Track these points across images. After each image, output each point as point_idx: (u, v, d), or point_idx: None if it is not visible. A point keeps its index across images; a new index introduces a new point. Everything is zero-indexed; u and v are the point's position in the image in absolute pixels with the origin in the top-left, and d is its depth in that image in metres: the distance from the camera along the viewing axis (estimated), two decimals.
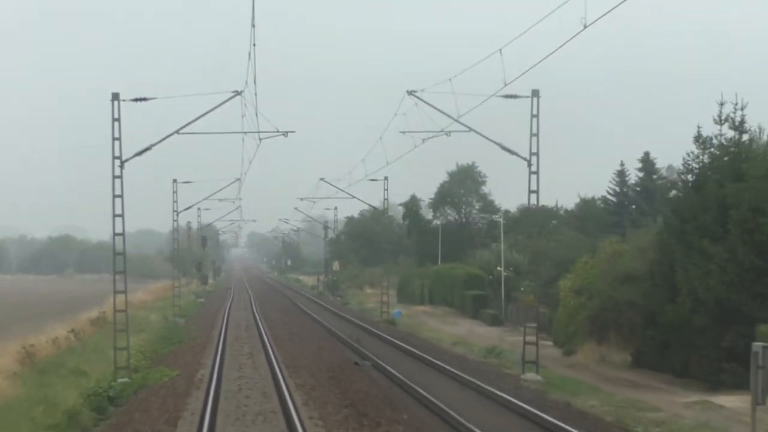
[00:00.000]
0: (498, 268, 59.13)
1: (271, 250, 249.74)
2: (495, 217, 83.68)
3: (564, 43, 22.93)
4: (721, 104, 31.69)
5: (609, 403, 26.44)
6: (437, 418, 22.02)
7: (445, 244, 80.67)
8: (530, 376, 30.98)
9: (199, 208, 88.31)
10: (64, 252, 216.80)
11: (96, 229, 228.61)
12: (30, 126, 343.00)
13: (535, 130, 31.03)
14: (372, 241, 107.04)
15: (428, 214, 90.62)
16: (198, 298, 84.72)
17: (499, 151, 31.84)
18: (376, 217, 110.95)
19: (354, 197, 67.93)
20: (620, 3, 18.56)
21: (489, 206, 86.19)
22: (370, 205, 75.43)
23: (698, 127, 32.38)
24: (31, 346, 35.52)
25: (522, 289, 54.58)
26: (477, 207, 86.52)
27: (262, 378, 29.15)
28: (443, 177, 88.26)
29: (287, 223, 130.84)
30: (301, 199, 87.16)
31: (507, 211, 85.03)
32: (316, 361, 33.52)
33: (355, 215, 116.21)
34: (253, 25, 27.29)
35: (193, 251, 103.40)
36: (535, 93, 30.90)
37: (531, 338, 31.74)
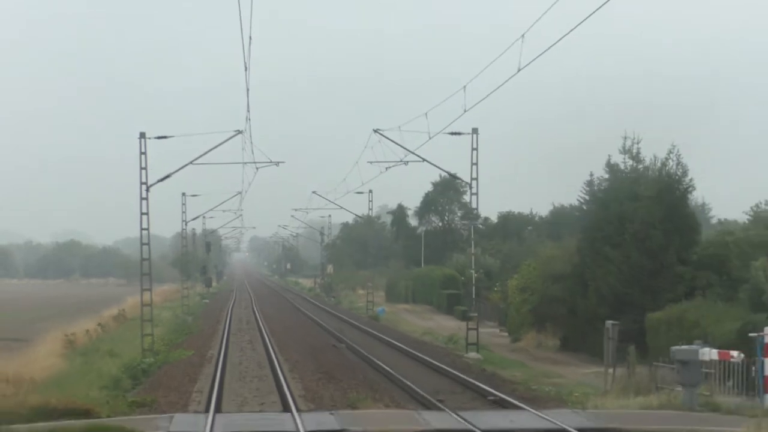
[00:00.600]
0: (469, 270, 67.31)
1: (271, 255, 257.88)
2: (477, 223, 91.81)
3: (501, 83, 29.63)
4: (624, 138, 40.07)
5: (527, 373, 34.59)
6: (385, 378, 30.32)
7: (430, 249, 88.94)
8: (472, 354, 39.26)
9: (203, 217, 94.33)
10: (69, 257, 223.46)
11: (99, 234, 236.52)
12: (34, 129, 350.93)
13: (475, 160, 39.30)
14: (365, 246, 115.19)
15: (414, 221, 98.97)
16: (203, 299, 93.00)
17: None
18: (369, 223, 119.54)
19: (342, 208, 77.17)
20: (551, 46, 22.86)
21: (470, 213, 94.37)
22: (356, 215, 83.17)
23: (608, 155, 40.72)
24: (72, 335, 43.79)
25: (495, 289, 63.03)
26: (459, 214, 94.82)
27: (259, 356, 37.45)
28: (429, 179, 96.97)
29: (286, 229, 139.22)
30: (296, 210, 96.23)
31: (487, 218, 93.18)
32: (303, 345, 41.86)
33: (351, 221, 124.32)
34: (247, 69, 32.28)
35: (198, 256, 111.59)
36: (475, 130, 39.18)
37: (483, 327, 40.05)
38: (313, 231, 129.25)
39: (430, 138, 38.30)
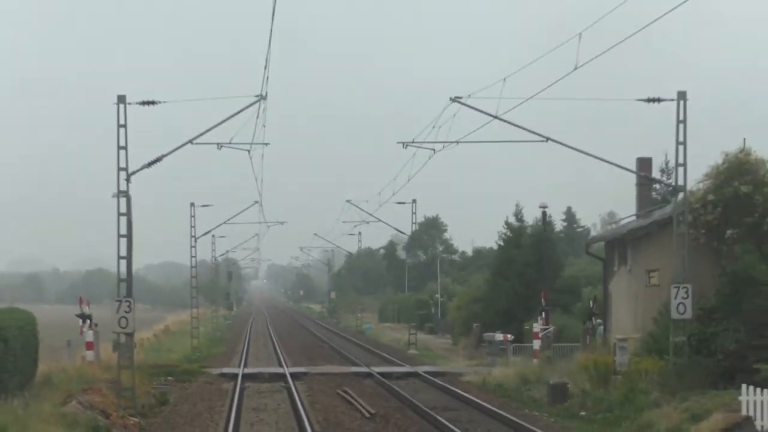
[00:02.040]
0: (436, 295, 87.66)
1: (288, 282, 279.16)
2: (454, 256, 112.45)
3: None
4: (516, 205, 60.51)
5: (430, 356, 54.72)
6: (343, 358, 50.82)
7: (414, 278, 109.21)
8: (411, 350, 59.56)
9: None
10: (98, 284, 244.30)
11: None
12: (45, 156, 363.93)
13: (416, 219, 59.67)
14: (366, 275, 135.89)
15: (403, 255, 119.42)
16: (226, 320, 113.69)
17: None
18: (369, 255, 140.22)
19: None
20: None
21: (450, 248, 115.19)
22: (396, 229, 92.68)
23: (508, 216, 61.19)
24: (141, 339, 64.21)
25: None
26: (441, 249, 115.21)
27: (269, 352, 58.01)
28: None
29: (306, 253, 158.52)
30: (315, 234, 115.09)
31: (463, 252, 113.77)
32: (299, 346, 62.46)
33: (376, 240, 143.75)
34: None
35: (220, 284, 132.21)
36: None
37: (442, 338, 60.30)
38: (327, 258, 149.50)
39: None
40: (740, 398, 24.67)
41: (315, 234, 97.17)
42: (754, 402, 24.65)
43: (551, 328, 43.46)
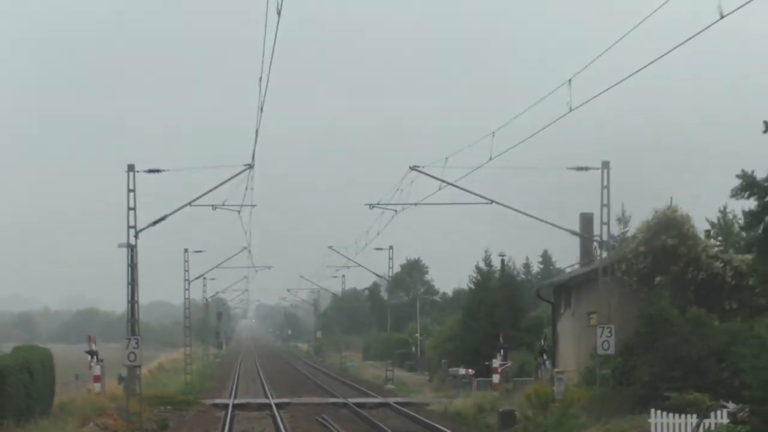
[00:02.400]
0: (416, 334, 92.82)
1: (276, 321, 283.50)
2: (434, 297, 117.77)
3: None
4: (485, 251, 65.83)
5: (405, 390, 59.66)
6: (324, 391, 55.89)
7: (397, 318, 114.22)
8: (389, 385, 64.59)
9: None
10: (90, 323, 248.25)
11: (108, 298, 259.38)
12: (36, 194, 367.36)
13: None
14: (351, 315, 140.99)
15: (386, 296, 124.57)
16: (216, 358, 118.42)
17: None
18: (354, 296, 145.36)
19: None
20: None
21: (431, 289, 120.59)
22: (375, 274, 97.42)
23: (478, 261, 66.52)
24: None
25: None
26: (422, 290, 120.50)
27: (257, 386, 63.04)
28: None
29: (293, 294, 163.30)
30: (301, 277, 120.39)
31: (444, 293, 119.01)
32: (285, 381, 67.55)
33: (360, 282, 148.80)
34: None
35: (210, 323, 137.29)
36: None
37: (421, 375, 65.35)
38: (313, 298, 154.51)
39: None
40: (650, 420, 29.86)
41: (301, 276, 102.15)
42: (661, 424, 29.81)
43: (509, 364, 48.69)
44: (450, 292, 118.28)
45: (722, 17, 17.13)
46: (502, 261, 59.55)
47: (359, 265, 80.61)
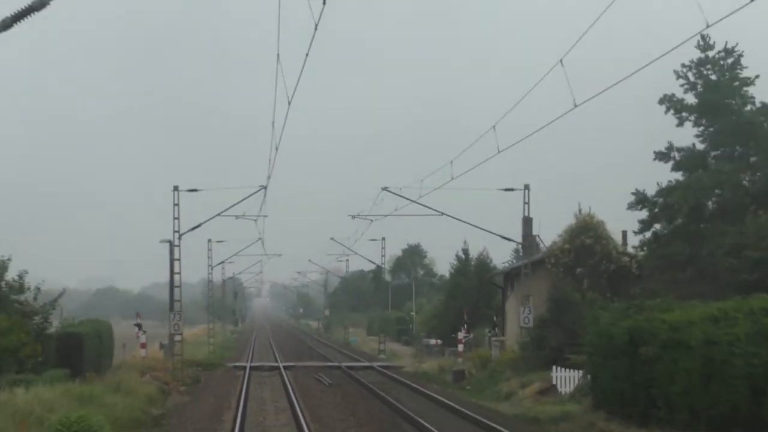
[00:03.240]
0: (411, 312, 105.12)
1: (289, 300, 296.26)
2: (433, 279, 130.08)
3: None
4: (464, 242, 77.97)
5: (393, 358, 71.97)
6: (324, 358, 68.27)
7: (398, 298, 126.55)
8: (381, 355, 76.84)
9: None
10: (108, 301, 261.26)
11: (125, 280, 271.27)
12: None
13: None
14: (358, 295, 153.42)
15: (389, 277, 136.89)
16: (233, 334, 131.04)
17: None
18: (361, 277, 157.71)
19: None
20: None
21: (429, 272, 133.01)
22: (370, 261, 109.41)
23: (457, 251, 78.73)
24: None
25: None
26: (422, 272, 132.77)
27: (269, 352, 75.40)
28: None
29: (304, 276, 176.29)
30: (309, 261, 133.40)
31: (442, 276, 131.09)
32: (293, 351, 79.93)
33: (362, 267, 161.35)
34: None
35: (226, 302, 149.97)
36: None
37: (399, 345, 77.71)
38: (323, 280, 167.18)
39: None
40: (552, 374, 41.99)
41: (309, 260, 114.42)
42: (560, 377, 41.93)
43: (471, 336, 60.84)
44: (447, 275, 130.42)
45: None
46: (466, 252, 71.92)
47: (356, 253, 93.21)
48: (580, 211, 51.93)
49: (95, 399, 31.01)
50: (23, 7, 14.11)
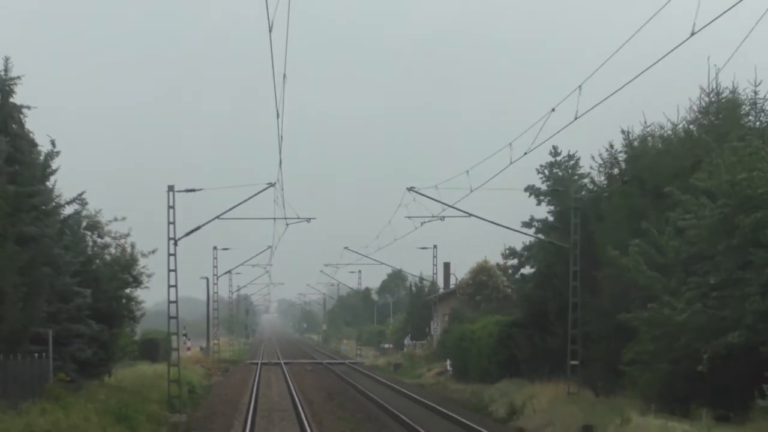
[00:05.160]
0: (390, 327, 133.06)
1: (295, 316, 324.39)
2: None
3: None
4: (420, 272, 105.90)
5: (364, 359, 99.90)
6: (312, 358, 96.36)
7: (384, 315, 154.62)
8: (359, 358, 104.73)
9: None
10: None
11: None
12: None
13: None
14: (351, 311, 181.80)
15: (376, 297, 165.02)
16: (245, 345, 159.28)
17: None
18: (356, 296, 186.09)
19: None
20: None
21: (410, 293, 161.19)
22: (392, 267, 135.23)
23: (413, 282, 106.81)
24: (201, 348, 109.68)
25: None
26: (404, 293, 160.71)
27: (275, 355, 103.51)
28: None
29: (313, 288, 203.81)
30: (322, 271, 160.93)
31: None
32: (293, 355, 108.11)
33: (379, 277, 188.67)
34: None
35: (238, 317, 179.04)
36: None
37: (375, 351, 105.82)
38: (323, 297, 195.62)
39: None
40: (446, 364, 69.94)
41: (321, 271, 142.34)
42: (452, 365, 69.85)
43: (414, 343, 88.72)
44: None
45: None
46: (421, 280, 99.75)
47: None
48: (482, 260, 79.93)
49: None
50: None
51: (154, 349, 71.01)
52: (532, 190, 73.44)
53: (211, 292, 75.83)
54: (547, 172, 74.63)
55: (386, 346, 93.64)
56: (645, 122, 39.67)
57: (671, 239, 31.30)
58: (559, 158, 74.93)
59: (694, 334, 29.62)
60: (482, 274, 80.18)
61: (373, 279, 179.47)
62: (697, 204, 30.75)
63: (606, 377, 37.15)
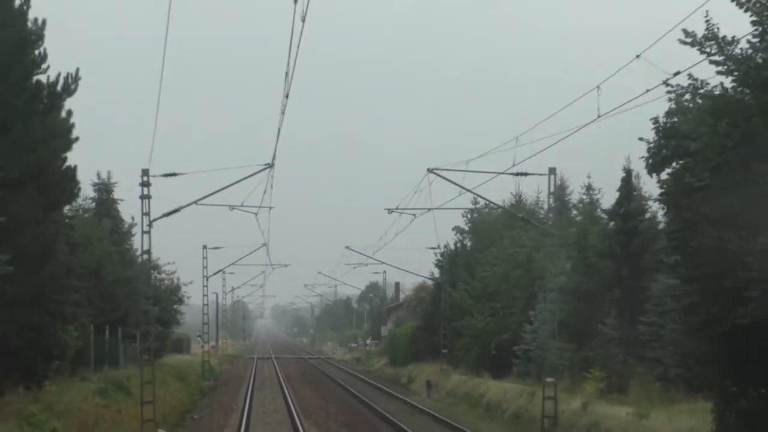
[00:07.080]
0: (364, 330, 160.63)
1: (288, 321, 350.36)
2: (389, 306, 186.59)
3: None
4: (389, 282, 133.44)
5: (338, 355, 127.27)
6: (300, 357, 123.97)
7: (360, 320, 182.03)
8: (334, 355, 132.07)
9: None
10: None
11: None
12: None
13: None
14: (336, 317, 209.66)
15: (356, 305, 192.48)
16: (243, 346, 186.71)
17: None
18: (340, 303, 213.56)
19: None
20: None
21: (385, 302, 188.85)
22: (397, 267, 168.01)
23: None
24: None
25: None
26: (380, 302, 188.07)
27: (268, 354, 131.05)
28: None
29: (310, 289, 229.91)
30: (319, 272, 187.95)
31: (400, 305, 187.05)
32: (283, 353, 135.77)
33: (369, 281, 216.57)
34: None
35: (236, 322, 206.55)
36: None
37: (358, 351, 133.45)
38: (311, 305, 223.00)
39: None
40: (412, 367, 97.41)
41: (319, 272, 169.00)
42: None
43: (375, 342, 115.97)
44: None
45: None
46: (384, 292, 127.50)
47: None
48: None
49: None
50: None
51: (183, 344, 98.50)
52: (457, 229, 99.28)
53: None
54: (469, 215, 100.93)
55: (353, 345, 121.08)
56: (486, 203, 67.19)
57: (480, 282, 59.07)
58: (478, 206, 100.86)
59: (488, 334, 57.30)
60: (422, 291, 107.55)
61: (373, 279, 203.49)
62: (492, 263, 58.55)
63: (457, 359, 64.83)
